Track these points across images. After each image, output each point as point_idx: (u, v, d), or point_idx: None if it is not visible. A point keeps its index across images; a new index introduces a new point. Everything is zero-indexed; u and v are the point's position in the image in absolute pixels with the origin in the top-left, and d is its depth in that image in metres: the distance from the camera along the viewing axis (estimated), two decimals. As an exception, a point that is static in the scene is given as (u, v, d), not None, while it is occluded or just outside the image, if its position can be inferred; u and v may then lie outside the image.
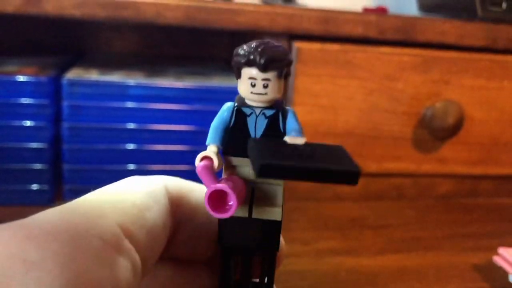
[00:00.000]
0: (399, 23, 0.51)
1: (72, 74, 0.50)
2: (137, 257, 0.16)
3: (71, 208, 0.16)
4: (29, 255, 0.13)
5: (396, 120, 0.54)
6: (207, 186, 0.17)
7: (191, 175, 0.20)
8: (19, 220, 0.14)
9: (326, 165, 0.17)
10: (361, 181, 0.54)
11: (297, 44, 0.50)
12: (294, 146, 0.18)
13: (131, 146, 0.50)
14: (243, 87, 0.18)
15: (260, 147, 0.18)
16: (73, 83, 0.49)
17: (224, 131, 0.19)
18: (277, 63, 0.18)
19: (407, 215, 0.53)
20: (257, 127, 0.19)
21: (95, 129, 0.50)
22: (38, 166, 0.50)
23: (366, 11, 0.64)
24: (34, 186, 0.50)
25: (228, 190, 0.17)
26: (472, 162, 0.56)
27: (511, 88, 0.55)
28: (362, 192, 0.55)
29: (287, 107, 0.19)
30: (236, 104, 0.19)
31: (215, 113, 0.19)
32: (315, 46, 0.50)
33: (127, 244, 0.15)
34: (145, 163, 0.51)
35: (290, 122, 0.19)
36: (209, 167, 0.18)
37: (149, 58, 0.66)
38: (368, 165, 0.54)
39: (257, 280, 0.22)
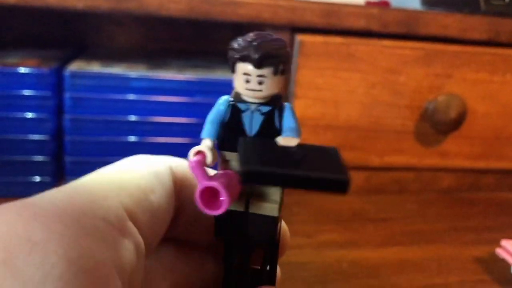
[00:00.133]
0: (402, 17, 0.51)
1: (74, 66, 0.50)
2: (140, 239, 0.16)
3: (75, 189, 0.16)
4: (34, 235, 0.13)
5: (398, 114, 0.54)
6: (199, 182, 0.17)
7: (193, 168, 0.19)
8: (23, 200, 0.14)
9: (314, 174, 0.16)
10: (363, 174, 0.55)
11: (299, 37, 0.50)
12: (285, 149, 0.18)
13: (133, 138, 0.50)
14: (238, 82, 0.18)
15: (248, 150, 0.17)
16: (75, 75, 0.49)
17: (220, 125, 0.18)
18: (273, 59, 0.17)
19: (409, 209, 0.53)
20: (252, 123, 0.18)
21: (97, 121, 0.50)
22: (40, 158, 0.50)
23: (369, 4, 0.63)
24: (36, 178, 0.50)
25: (220, 187, 0.16)
26: (475, 156, 0.56)
27: (513, 82, 0.55)
28: (364, 186, 0.55)
29: (285, 103, 0.19)
30: (231, 99, 0.19)
31: (216, 106, 0.19)
32: (318, 39, 0.50)
33: (131, 226, 0.15)
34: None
35: (286, 120, 0.18)
36: (202, 162, 0.18)
37: (152, 52, 0.66)
38: (370, 158, 0.54)
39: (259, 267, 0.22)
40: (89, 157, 0.50)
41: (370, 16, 0.50)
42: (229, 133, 0.19)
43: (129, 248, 0.15)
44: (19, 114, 0.49)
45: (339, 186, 0.16)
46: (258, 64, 0.17)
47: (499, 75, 0.54)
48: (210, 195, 0.17)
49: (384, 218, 0.50)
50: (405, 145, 0.55)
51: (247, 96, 0.18)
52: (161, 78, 0.50)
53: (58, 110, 0.50)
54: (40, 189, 0.15)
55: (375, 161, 0.55)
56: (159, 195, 0.17)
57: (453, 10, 0.57)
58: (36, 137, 0.49)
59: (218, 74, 0.52)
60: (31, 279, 0.12)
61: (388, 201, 0.54)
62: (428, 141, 0.55)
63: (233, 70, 0.18)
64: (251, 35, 0.18)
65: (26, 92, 0.49)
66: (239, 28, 0.54)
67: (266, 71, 0.17)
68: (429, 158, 0.56)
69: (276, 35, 0.18)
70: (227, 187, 0.17)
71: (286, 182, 0.16)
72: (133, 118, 0.50)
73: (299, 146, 0.18)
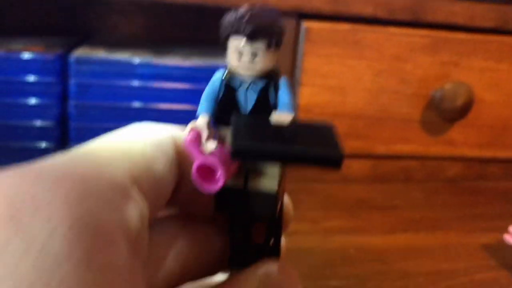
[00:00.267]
0: (409, 3, 0.50)
1: (79, 52, 0.50)
2: (145, 205, 0.15)
3: (80, 154, 0.15)
4: (38, 195, 0.12)
5: (404, 102, 0.53)
6: (194, 159, 0.17)
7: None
8: (28, 164, 0.14)
9: (305, 149, 0.16)
10: (369, 163, 0.55)
11: (306, 24, 0.50)
12: (278, 125, 0.17)
13: (138, 125, 0.50)
14: (231, 57, 0.17)
15: (239, 126, 0.17)
16: (80, 61, 0.49)
17: (215, 101, 0.18)
18: (266, 32, 0.17)
19: (415, 197, 0.52)
20: (247, 99, 0.18)
21: (102, 108, 0.49)
22: (44, 144, 0.50)
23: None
24: (41, 165, 0.50)
25: (215, 164, 0.16)
26: (481, 145, 0.56)
27: (521, 70, 0.55)
28: (370, 174, 0.55)
29: (280, 77, 0.18)
30: (225, 75, 0.18)
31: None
32: (325, 25, 0.50)
33: (135, 192, 0.15)
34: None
35: (282, 95, 0.18)
36: (197, 139, 0.17)
37: (156, 41, 0.66)
38: (376, 147, 0.54)
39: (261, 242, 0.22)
40: (94, 144, 0.50)
41: (377, 3, 0.50)
42: (224, 110, 0.18)
43: (134, 213, 0.15)
44: (23, 100, 0.49)
45: (332, 161, 0.16)
46: (250, 38, 0.17)
47: (507, 64, 0.54)
48: (206, 171, 0.17)
49: (390, 206, 0.50)
50: (411, 133, 0.54)
51: (241, 71, 0.18)
52: (167, 64, 0.50)
53: (63, 96, 0.50)
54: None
55: (381, 149, 0.54)
56: (162, 164, 0.17)
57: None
58: (40, 123, 0.49)
59: (222, 61, 0.52)
60: (38, 236, 0.12)
61: (394, 189, 0.53)
62: (435, 130, 0.55)
63: (225, 45, 0.18)
64: (242, 8, 0.17)
65: (31, 78, 0.49)
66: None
67: (259, 44, 0.17)
68: (435, 147, 0.55)
69: (269, 7, 0.18)
70: (223, 163, 0.17)
71: (278, 158, 0.16)
72: (138, 104, 0.50)
73: (293, 121, 0.17)
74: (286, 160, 0.16)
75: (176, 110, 0.51)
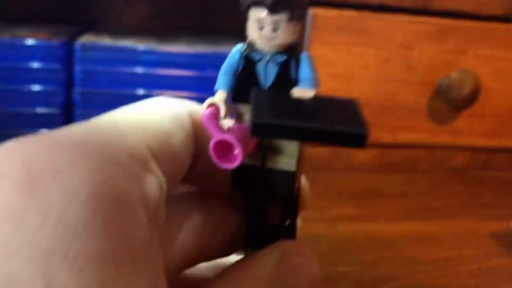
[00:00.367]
0: (416, -9, 0.50)
1: (85, 39, 0.50)
2: (163, 178, 0.15)
3: (98, 124, 0.15)
4: (57, 162, 0.12)
5: (411, 90, 0.53)
6: (212, 135, 0.16)
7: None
8: (45, 133, 0.14)
9: (328, 126, 0.15)
10: (375, 152, 0.54)
11: (312, 10, 0.49)
12: (299, 101, 0.17)
13: (143, 112, 0.50)
14: (251, 30, 0.17)
15: (260, 102, 0.17)
16: (85, 48, 0.48)
17: (234, 76, 0.18)
18: (288, 3, 0.16)
19: (422, 186, 0.52)
20: (267, 74, 0.18)
21: (107, 95, 0.49)
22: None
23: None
24: (46, 152, 0.49)
25: (233, 141, 0.16)
26: (488, 134, 0.56)
27: (528, 59, 0.54)
28: (376, 164, 0.55)
29: (303, 52, 0.18)
30: (244, 48, 0.18)
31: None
32: (331, 12, 0.50)
33: (154, 164, 0.15)
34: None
35: (303, 70, 0.17)
36: (215, 115, 0.17)
37: (161, 30, 0.66)
38: (382, 135, 0.54)
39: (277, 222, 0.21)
40: (99, 131, 0.49)
41: (384, -11, 0.49)
42: (243, 85, 0.18)
43: (153, 184, 0.14)
44: (28, 87, 0.49)
45: (356, 139, 0.15)
46: (272, 9, 0.16)
47: (514, 52, 0.54)
48: (224, 148, 0.16)
49: (397, 195, 0.49)
50: (417, 122, 0.54)
51: (261, 44, 0.17)
52: (171, 51, 0.50)
53: (68, 83, 0.49)
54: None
55: (387, 138, 0.54)
56: (180, 138, 0.17)
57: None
58: (45, 110, 0.49)
59: (227, 48, 0.52)
60: (56, 204, 0.11)
61: (400, 178, 0.53)
62: (441, 119, 0.54)
63: (245, 17, 0.17)
64: None
65: (35, 65, 0.48)
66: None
67: (280, 16, 0.16)
68: (441, 136, 0.55)
69: None
70: (241, 140, 0.16)
71: (300, 135, 0.16)
72: (144, 91, 0.49)
73: (316, 97, 0.17)
74: (308, 137, 0.16)
75: (181, 98, 0.50)
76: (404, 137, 0.54)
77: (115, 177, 0.13)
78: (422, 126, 0.54)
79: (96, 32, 0.55)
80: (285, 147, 0.18)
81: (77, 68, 0.48)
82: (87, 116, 0.49)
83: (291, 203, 0.20)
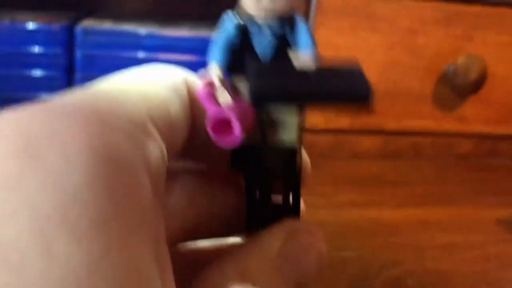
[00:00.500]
0: (423, -25, 0.49)
1: (86, 23, 0.49)
2: (164, 146, 0.15)
3: (94, 90, 0.14)
4: (53, 127, 0.11)
5: (417, 76, 0.52)
6: (208, 112, 0.16)
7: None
8: (39, 102, 0.13)
9: (330, 87, 0.15)
10: (379, 139, 0.54)
11: (317, -6, 0.49)
12: (300, 66, 0.16)
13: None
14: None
15: (257, 68, 0.16)
16: (87, 32, 0.47)
17: (228, 48, 0.17)
18: None
19: (427, 173, 0.52)
20: (264, 44, 0.17)
21: (109, 80, 0.48)
22: (50, 117, 0.49)
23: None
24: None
25: (231, 117, 0.15)
26: (493, 121, 0.55)
27: (535, 45, 0.54)
28: (381, 151, 0.54)
29: (296, 17, 0.17)
30: (239, 18, 0.17)
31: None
32: (336, -4, 0.49)
33: (154, 131, 0.14)
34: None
35: (301, 36, 0.16)
36: (211, 90, 0.16)
37: (163, 14, 0.65)
38: (387, 122, 0.53)
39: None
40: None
41: (390, -27, 0.48)
42: (239, 58, 0.17)
43: (155, 151, 0.14)
44: (28, 72, 0.48)
45: (360, 98, 0.15)
46: None
47: (522, 38, 0.53)
48: (222, 126, 0.15)
49: (402, 182, 0.49)
50: (423, 109, 0.53)
51: (257, 13, 0.16)
52: (173, 35, 0.49)
53: (69, 68, 0.49)
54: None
55: (392, 125, 0.53)
56: (177, 107, 0.16)
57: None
58: (46, 95, 0.48)
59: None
60: (55, 168, 0.11)
61: (405, 165, 0.53)
62: (447, 105, 0.54)
63: None
64: None
65: (36, 49, 0.48)
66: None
67: None
68: (447, 123, 0.54)
69: None
70: (239, 116, 0.15)
71: (302, 98, 0.15)
72: (145, 76, 0.49)
73: (316, 62, 0.16)
74: (310, 100, 0.15)
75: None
76: (409, 123, 0.54)
77: (116, 140, 0.12)
78: (428, 113, 0.54)
79: (98, 16, 0.55)
80: (284, 122, 0.18)
81: (78, 53, 0.48)
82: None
83: (293, 180, 0.20)
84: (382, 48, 0.51)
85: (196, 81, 0.17)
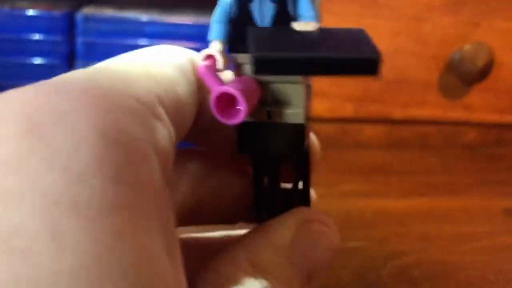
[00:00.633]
0: (430, -40, 0.48)
1: (87, 10, 0.48)
2: (172, 127, 0.14)
3: (101, 69, 0.14)
4: (59, 106, 0.11)
5: (422, 64, 0.52)
6: (211, 89, 0.15)
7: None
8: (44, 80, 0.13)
9: (336, 53, 0.14)
10: (384, 128, 0.53)
11: (322, -20, 0.48)
12: (303, 33, 0.16)
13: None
14: None
15: (259, 36, 0.16)
16: (88, 19, 0.47)
17: (228, 24, 0.17)
18: None
19: (433, 163, 0.51)
20: (263, 13, 0.16)
21: (110, 68, 0.48)
22: (51, 105, 0.48)
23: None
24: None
25: (236, 93, 0.15)
26: (501, 110, 0.54)
27: (544, 32, 0.53)
28: (386, 140, 0.53)
29: None
30: None
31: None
32: (341, -18, 0.48)
33: (162, 112, 0.14)
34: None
35: (302, 5, 0.16)
36: (213, 67, 0.16)
37: (164, 2, 0.64)
38: (392, 111, 0.52)
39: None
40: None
41: (396, -42, 0.48)
42: (239, 31, 0.16)
43: (163, 131, 0.13)
44: (29, 60, 0.47)
45: (368, 65, 0.14)
46: None
47: (530, 24, 0.52)
48: (226, 102, 0.15)
49: (407, 171, 0.48)
50: (428, 97, 0.53)
51: None
52: (176, 22, 0.48)
53: (70, 56, 0.48)
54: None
55: (397, 113, 0.53)
56: (184, 87, 0.16)
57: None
58: (47, 84, 0.48)
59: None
60: (62, 149, 0.10)
61: (410, 155, 0.52)
62: (453, 94, 0.53)
63: None
64: None
65: (36, 37, 0.47)
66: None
67: None
68: (453, 111, 0.54)
69: None
70: (244, 92, 0.15)
71: (307, 67, 0.15)
72: (147, 64, 0.48)
73: (320, 29, 0.16)
74: (316, 68, 0.14)
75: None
76: (415, 112, 0.53)
77: (124, 120, 0.12)
78: (433, 102, 0.53)
79: (99, 3, 0.54)
80: (290, 97, 0.17)
81: (79, 40, 0.47)
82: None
83: (302, 160, 0.19)
84: (387, 36, 0.50)
85: (198, 62, 0.17)
